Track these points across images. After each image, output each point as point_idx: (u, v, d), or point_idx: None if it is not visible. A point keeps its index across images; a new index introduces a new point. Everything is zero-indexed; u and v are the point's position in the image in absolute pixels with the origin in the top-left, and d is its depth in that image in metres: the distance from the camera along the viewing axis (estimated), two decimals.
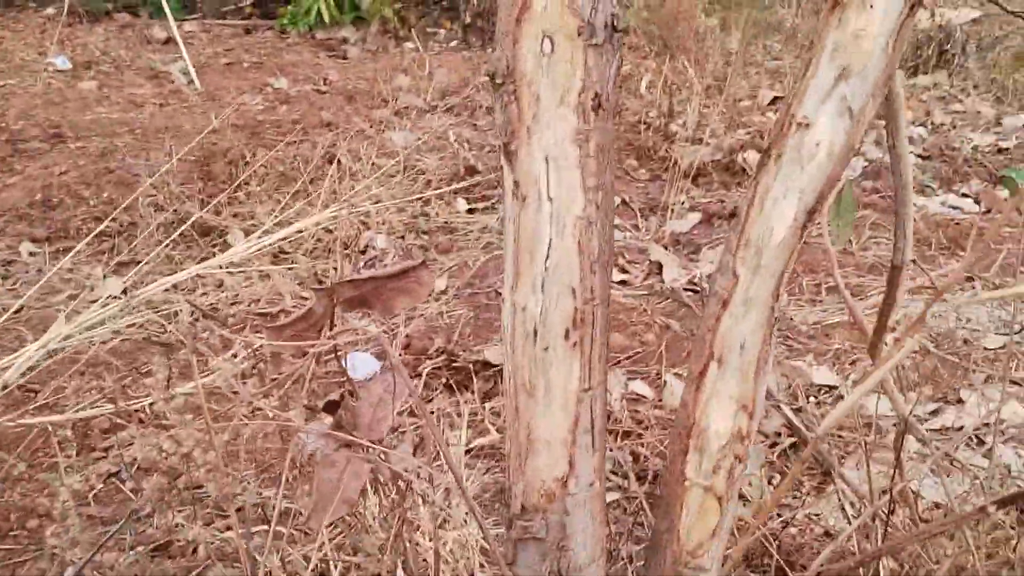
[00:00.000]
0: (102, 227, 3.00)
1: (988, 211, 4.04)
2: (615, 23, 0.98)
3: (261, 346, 1.08)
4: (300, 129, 4.24)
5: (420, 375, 2.63)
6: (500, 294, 3.19)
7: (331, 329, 1.12)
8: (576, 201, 1.03)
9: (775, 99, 5.41)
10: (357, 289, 1.05)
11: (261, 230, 2.72)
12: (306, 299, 2.84)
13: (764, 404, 1.13)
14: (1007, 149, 4.70)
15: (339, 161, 3.90)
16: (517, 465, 1.16)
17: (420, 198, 3.75)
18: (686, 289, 3.27)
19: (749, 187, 1.05)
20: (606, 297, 1.10)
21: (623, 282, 3.29)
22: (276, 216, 3.53)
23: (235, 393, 1.11)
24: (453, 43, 6.11)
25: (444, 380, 2.62)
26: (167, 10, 5.17)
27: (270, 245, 2.97)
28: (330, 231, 3.45)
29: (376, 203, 3.63)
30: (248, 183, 3.62)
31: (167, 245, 3.09)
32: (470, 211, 3.72)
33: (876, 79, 0.97)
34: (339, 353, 1.24)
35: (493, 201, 3.78)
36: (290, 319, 1.19)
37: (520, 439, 1.14)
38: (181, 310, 2.46)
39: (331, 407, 1.50)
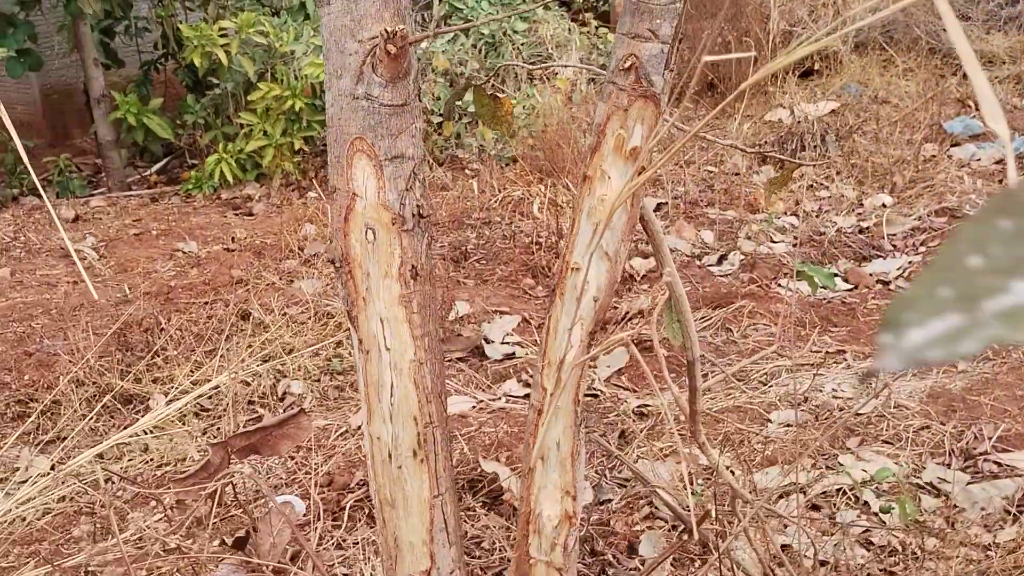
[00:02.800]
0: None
1: (855, 287, 4.44)
2: (421, 211, 1.26)
3: (166, 496, 1.30)
4: (212, 289, 4.47)
5: (344, 508, 2.82)
6: None
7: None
8: (408, 349, 1.30)
9: (659, 205, 5.84)
10: (248, 439, 1.28)
11: (174, 392, 2.91)
12: None
13: (583, 486, 1.37)
14: (867, 228, 5.15)
15: (251, 316, 4.13)
16: (390, 566, 1.38)
17: (332, 341, 3.99)
18: (588, 395, 3.54)
19: (546, 319, 1.33)
20: (443, 420, 1.36)
21: (529, 396, 3.55)
22: (194, 376, 3.72)
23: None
24: None
25: (367, 511, 2.81)
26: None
27: (188, 404, 3.16)
28: (248, 383, 3.65)
29: (289, 352, 3.85)
30: (165, 348, 3.82)
31: (90, 419, 3.26)
32: None
33: (622, 230, 1.27)
34: (238, 495, 1.46)
35: None
36: (191, 471, 1.41)
37: (388, 544, 1.36)
38: (103, 478, 2.62)
39: (240, 542, 1.71)
